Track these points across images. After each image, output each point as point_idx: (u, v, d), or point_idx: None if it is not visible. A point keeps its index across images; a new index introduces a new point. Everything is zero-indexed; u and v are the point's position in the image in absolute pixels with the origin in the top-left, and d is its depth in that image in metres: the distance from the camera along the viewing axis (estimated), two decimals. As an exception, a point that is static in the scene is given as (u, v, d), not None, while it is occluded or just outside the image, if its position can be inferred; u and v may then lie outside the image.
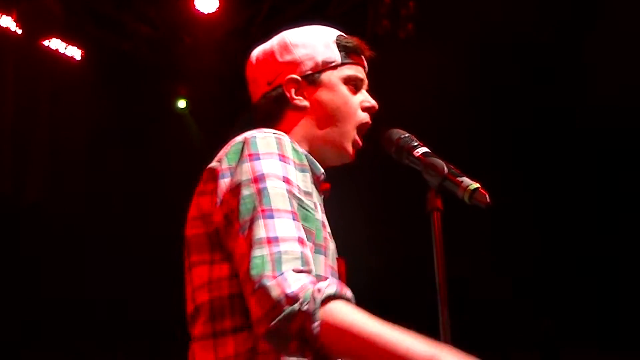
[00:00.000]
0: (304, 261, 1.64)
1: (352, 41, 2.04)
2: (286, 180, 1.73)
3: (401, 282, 6.67)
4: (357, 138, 2.01)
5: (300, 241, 1.67)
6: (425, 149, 1.92)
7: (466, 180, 1.82)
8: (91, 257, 7.15)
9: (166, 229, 7.10)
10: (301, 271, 1.62)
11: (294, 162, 1.79)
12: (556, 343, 6.94)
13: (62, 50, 7.26)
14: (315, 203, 1.83)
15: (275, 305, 1.57)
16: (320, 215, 1.86)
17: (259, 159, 1.75)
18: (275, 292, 1.58)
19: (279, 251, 1.63)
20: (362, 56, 2.06)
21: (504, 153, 7.12)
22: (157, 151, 7.71)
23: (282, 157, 1.76)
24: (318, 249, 1.79)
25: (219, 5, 7.08)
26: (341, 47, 2.02)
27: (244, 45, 7.53)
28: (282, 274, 1.60)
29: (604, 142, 6.90)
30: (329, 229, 1.91)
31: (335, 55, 2.00)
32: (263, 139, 1.78)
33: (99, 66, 7.52)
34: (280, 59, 2.00)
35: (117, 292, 7.04)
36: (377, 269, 6.16)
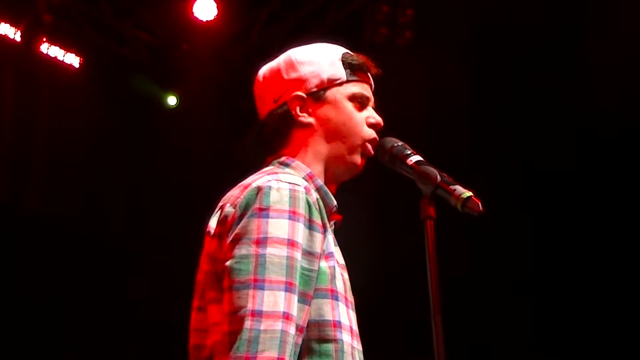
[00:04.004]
0: (281, 342, 1.67)
1: (358, 59, 2.04)
2: (290, 244, 1.74)
3: (399, 287, 6.67)
4: (368, 147, 2.01)
5: (286, 317, 1.70)
6: (418, 157, 1.92)
7: (459, 188, 1.83)
8: (91, 263, 7.14)
9: (166, 234, 7.16)
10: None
11: (304, 217, 1.79)
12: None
13: (60, 58, 7.27)
14: (319, 253, 1.82)
15: None
16: (332, 247, 1.87)
17: (267, 216, 1.75)
18: None
19: (259, 329, 1.66)
20: (369, 74, 2.07)
21: (503, 160, 7.12)
22: (156, 158, 7.71)
23: (293, 215, 1.77)
24: (324, 294, 1.80)
25: (218, 13, 7.09)
26: (347, 64, 2.02)
27: (242, 53, 7.55)
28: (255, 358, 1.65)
29: (607, 147, 6.90)
30: (341, 260, 1.92)
31: (341, 73, 2.01)
32: (277, 190, 1.78)
33: (97, 73, 7.52)
34: (286, 77, 2.02)
35: (117, 297, 7.05)
36: (375, 275, 6.16)
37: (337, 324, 1.80)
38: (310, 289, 1.77)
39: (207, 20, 7.10)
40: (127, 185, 7.76)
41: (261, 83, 2.08)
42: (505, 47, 6.97)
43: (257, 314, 1.68)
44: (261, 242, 1.73)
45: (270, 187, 1.79)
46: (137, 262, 7.28)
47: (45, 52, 7.14)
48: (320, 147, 1.99)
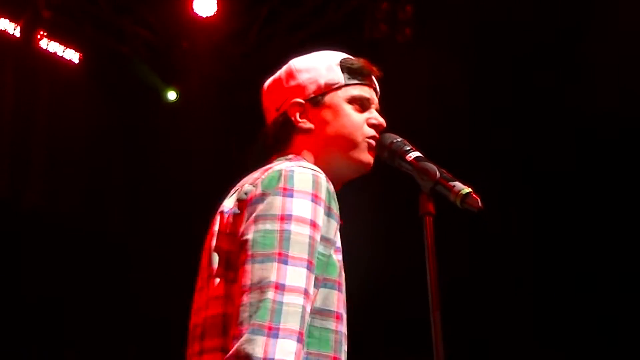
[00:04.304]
0: (302, 317, 1.68)
1: (357, 62, 2.06)
2: (313, 225, 1.76)
3: (398, 285, 6.66)
4: (371, 142, 2.01)
5: (306, 295, 1.71)
6: (417, 153, 1.93)
7: (458, 184, 1.83)
8: (91, 260, 7.14)
9: (166, 231, 7.15)
10: (294, 334, 1.66)
11: (324, 203, 1.80)
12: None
13: (60, 54, 7.26)
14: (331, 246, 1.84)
15: None
16: (339, 243, 1.88)
17: (292, 195, 1.77)
18: (257, 352, 1.62)
19: (281, 302, 1.67)
20: (372, 77, 2.08)
21: (503, 160, 7.12)
22: (156, 154, 7.71)
23: (315, 198, 1.79)
24: (332, 285, 1.82)
25: (217, 9, 7.08)
26: (345, 68, 2.04)
27: (242, 50, 7.55)
28: (277, 330, 1.64)
29: (607, 147, 6.90)
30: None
31: (338, 77, 2.03)
32: (300, 174, 1.81)
33: (97, 69, 7.52)
34: (286, 85, 2.06)
35: (117, 295, 7.05)
36: (374, 272, 6.17)
37: (340, 317, 1.83)
38: (321, 273, 1.79)
39: (207, 17, 7.10)
40: (127, 182, 7.75)
41: (265, 94, 2.12)
42: (505, 46, 6.96)
43: (281, 287, 1.68)
44: (286, 218, 1.74)
45: (293, 171, 1.81)
46: (137, 259, 7.28)
47: (44, 47, 7.13)
48: (321, 152, 2.00)
